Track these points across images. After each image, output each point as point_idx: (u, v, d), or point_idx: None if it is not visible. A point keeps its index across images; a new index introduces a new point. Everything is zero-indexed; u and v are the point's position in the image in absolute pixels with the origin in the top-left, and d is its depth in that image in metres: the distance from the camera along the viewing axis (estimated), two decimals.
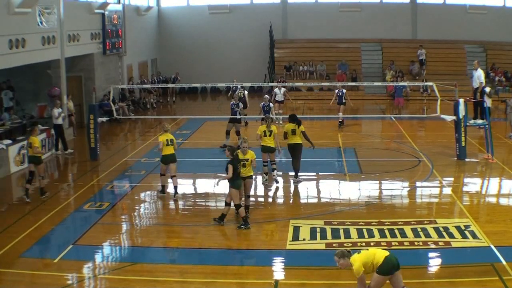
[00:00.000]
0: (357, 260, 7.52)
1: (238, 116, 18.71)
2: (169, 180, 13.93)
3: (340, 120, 22.35)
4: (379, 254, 7.61)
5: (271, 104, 18.79)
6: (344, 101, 22.11)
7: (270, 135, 14.32)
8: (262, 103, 19.72)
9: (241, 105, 19.06)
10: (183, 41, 34.12)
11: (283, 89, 23.68)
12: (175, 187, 13.61)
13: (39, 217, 12.31)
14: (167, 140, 13.46)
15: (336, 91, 22.69)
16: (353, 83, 24.51)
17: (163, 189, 13.92)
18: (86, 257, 10.27)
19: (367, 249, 7.96)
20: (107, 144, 20.40)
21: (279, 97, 23.42)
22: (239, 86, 22.93)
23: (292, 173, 15.95)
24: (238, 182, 11.66)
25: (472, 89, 20.26)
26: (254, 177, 12.43)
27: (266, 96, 19.87)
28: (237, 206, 11.64)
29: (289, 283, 9.25)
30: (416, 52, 31.60)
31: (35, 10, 18.21)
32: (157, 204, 13.85)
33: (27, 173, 13.93)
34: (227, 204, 11.79)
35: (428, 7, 33.14)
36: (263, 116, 16.16)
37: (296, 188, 14.83)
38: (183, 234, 11.50)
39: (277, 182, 14.69)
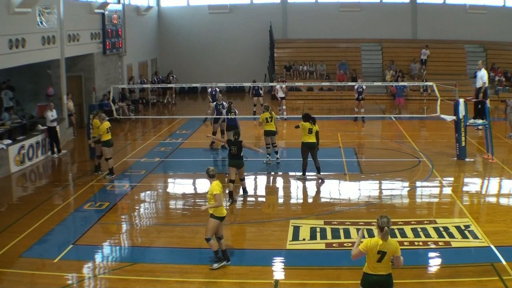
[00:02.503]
0: (364, 242, 7.17)
1: (220, 116, 18.55)
2: (169, 180, 13.91)
3: (361, 116, 23.18)
4: (370, 261, 7.11)
5: (224, 103, 18.69)
6: (362, 96, 23.10)
7: (271, 121, 16.45)
8: (220, 103, 19.10)
9: (225, 104, 18.93)
10: (183, 41, 34.12)
11: (283, 85, 24.20)
12: (112, 168, 15.68)
13: (39, 217, 12.31)
14: (107, 128, 15.51)
15: (356, 87, 23.34)
16: (353, 83, 24.56)
17: (112, 171, 15.70)
18: (86, 257, 10.27)
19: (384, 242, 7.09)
20: None
21: (281, 93, 23.90)
22: (217, 89, 22.75)
23: (292, 173, 16.06)
24: (231, 162, 13.36)
25: (474, 89, 20.24)
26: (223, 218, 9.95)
27: (220, 95, 19.68)
28: (231, 181, 13.31)
29: (289, 283, 9.26)
30: (420, 51, 31.54)
31: (35, 10, 18.21)
32: (157, 204, 13.87)
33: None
34: (231, 181, 13.34)
35: (428, 7, 33.15)
36: (266, 104, 17.59)
37: (296, 188, 14.87)
38: (183, 234, 11.49)
39: (278, 163, 16.67)
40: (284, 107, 24.32)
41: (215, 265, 9.64)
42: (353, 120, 23.38)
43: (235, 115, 17.64)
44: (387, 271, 7.16)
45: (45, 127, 18.41)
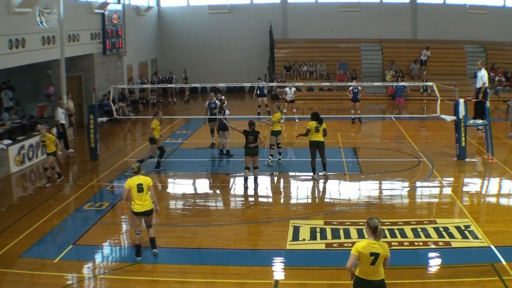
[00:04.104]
0: (354, 246, 7.06)
1: (216, 116, 18.44)
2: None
3: (358, 118, 22.95)
4: (363, 264, 6.94)
5: (217, 102, 18.70)
6: (358, 97, 22.82)
7: (279, 121, 16.84)
8: (212, 102, 19.01)
9: (218, 103, 18.88)
10: (183, 41, 34.12)
11: (293, 89, 23.95)
12: (59, 173, 15.40)
13: (39, 217, 12.32)
14: (54, 140, 15.26)
15: (351, 88, 23.15)
16: (353, 83, 24.55)
17: (60, 175, 15.43)
18: (86, 257, 10.28)
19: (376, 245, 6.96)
20: (107, 144, 20.41)
21: (290, 97, 23.69)
22: (217, 102, 22.17)
23: (292, 173, 16.07)
24: (247, 151, 14.19)
25: (474, 89, 20.25)
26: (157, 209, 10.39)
27: (211, 93, 19.61)
28: (246, 168, 14.37)
29: (289, 283, 9.26)
30: (420, 51, 31.56)
31: (35, 10, 18.22)
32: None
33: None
34: (247, 168, 14.31)
35: (428, 7, 33.14)
36: (277, 104, 17.97)
37: (296, 188, 14.89)
38: (183, 234, 11.50)
39: (279, 164, 16.74)
40: (286, 110, 23.82)
41: (137, 258, 10.10)
42: (351, 122, 23.22)
43: (223, 115, 17.67)
44: (380, 276, 6.99)
45: (46, 126, 18.43)
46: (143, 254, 10.38)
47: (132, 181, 10.02)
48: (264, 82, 24.94)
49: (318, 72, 31.72)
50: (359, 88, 22.93)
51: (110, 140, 21.33)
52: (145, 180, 10.11)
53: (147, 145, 19.78)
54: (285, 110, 23.66)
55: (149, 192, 10.07)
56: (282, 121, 22.77)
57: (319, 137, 14.78)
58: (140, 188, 9.95)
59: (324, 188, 14.78)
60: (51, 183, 15.06)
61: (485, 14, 32.50)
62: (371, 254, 6.90)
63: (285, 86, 24.74)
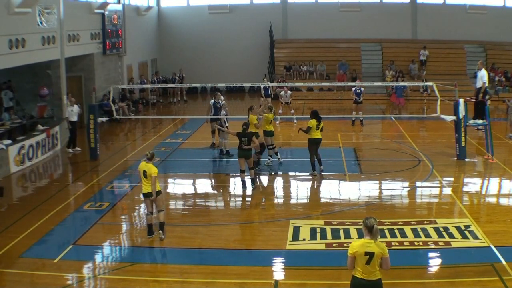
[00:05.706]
0: (350, 246, 7.16)
1: (219, 116, 18.37)
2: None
3: (360, 120, 22.74)
4: (358, 264, 6.98)
5: (221, 102, 18.70)
6: (361, 99, 22.52)
7: (271, 122, 16.64)
8: (217, 101, 18.77)
9: (221, 103, 18.84)
10: (183, 41, 34.12)
11: (289, 92, 23.76)
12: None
13: (39, 217, 12.31)
14: None
15: (354, 88, 22.82)
16: (353, 83, 24.58)
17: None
18: (86, 257, 10.28)
19: (371, 244, 6.98)
20: (107, 144, 20.41)
21: (286, 99, 23.58)
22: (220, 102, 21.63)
23: (292, 173, 16.07)
24: (240, 153, 14.08)
25: (474, 89, 20.27)
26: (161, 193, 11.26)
27: (218, 93, 19.55)
28: (241, 171, 14.23)
29: (289, 283, 9.26)
30: (419, 52, 31.60)
31: (35, 10, 18.22)
32: None
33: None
34: (242, 171, 14.26)
35: (428, 7, 33.15)
36: (270, 105, 17.70)
37: (296, 188, 14.89)
38: (183, 234, 11.50)
39: (280, 163, 16.75)
40: (292, 111, 23.54)
41: (148, 236, 11.02)
42: (351, 123, 23.05)
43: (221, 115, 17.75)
44: (377, 276, 6.98)
45: (45, 127, 18.45)
46: (144, 254, 10.41)
47: (141, 166, 11.11)
48: (269, 82, 24.69)
49: (318, 72, 31.72)
50: (362, 89, 22.57)
51: (110, 140, 21.33)
52: (150, 169, 10.94)
53: (148, 145, 19.84)
54: (280, 111, 23.68)
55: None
56: (278, 122, 22.90)
57: (318, 135, 15.25)
58: (144, 174, 11.01)
59: (324, 188, 14.79)
60: None
61: (485, 14, 32.50)
62: (366, 253, 6.92)
63: (283, 87, 24.57)
